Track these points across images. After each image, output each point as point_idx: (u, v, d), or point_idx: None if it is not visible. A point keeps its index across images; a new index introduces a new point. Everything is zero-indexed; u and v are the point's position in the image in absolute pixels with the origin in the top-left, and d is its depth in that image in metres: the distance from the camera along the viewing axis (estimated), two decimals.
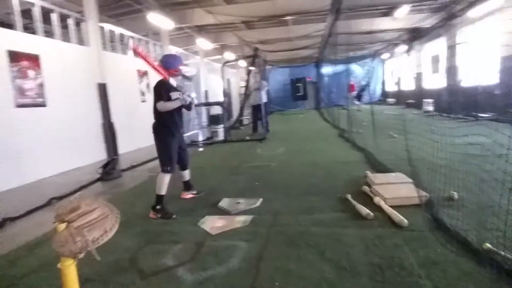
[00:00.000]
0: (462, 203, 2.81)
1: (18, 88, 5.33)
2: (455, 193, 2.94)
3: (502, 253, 1.94)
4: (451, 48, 11.32)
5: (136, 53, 3.04)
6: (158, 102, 3.19)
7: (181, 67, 3.34)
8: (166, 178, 3.29)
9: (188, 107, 3.33)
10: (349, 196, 3.29)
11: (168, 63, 3.27)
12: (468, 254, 2.07)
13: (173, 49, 11.82)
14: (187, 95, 3.21)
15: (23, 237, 3.03)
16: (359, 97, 16.46)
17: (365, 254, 2.22)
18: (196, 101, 3.39)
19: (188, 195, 3.84)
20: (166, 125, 3.29)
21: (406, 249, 2.23)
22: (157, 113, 3.28)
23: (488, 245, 2.03)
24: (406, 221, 2.58)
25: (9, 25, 5.61)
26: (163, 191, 3.28)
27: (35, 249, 2.72)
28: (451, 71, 11.40)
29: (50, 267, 2.22)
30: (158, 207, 3.24)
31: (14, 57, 5.28)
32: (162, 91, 3.19)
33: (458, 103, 9.46)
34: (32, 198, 4.22)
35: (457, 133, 3.00)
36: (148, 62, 3.04)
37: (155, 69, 3.09)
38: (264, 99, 9.24)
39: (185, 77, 3.79)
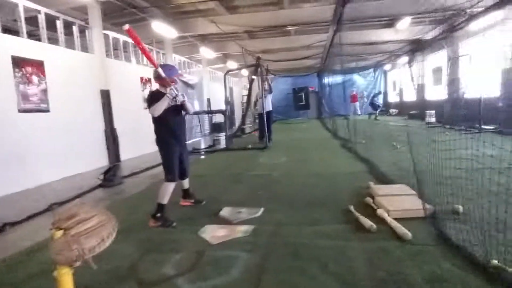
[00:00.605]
0: (468, 217, 2.76)
1: (21, 93, 5.36)
2: (460, 206, 2.89)
3: (510, 270, 1.88)
4: (453, 60, 11.36)
5: (129, 34, 3.01)
6: (149, 109, 3.16)
7: (176, 78, 3.34)
8: (170, 187, 3.28)
9: (178, 104, 3.24)
10: (352, 208, 3.24)
11: (164, 73, 3.24)
12: (475, 271, 2.00)
13: (176, 58, 11.93)
14: (173, 90, 3.14)
15: (23, 242, 3.01)
16: (373, 105, 16.55)
17: (368, 268, 2.17)
18: (184, 98, 3.25)
19: (187, 202, 3.83)
20: (164, 135, 3.29)
21: (410, 264, 2.17)
22: (155, 125, 3.30)
23: (495, 261, 1.97)
24: (410, 234, 2.53)
25: (15, 32, 5.68)
26: (165, 200, 3.25)
27: (34, 255, 2.69)
28: (454, 83, 11.41)
29: (49, 273, 2.18)
30: (158, 215, 3.20)
31: (18, 62, 5.33)
32: (152, 100, 3.17)
33: (461, 114, 9.44)
34: (33, 203, 4.21)
35: (460, 145, 2.96)
36: (138, 45, 3.08)
37: (145, 53, 3.14)
38: (269, 107, 9.21)
39: (188, 85, 3.80)
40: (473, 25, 9.49)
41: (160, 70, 3.16)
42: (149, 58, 3.21)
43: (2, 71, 5.09)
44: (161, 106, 3.12)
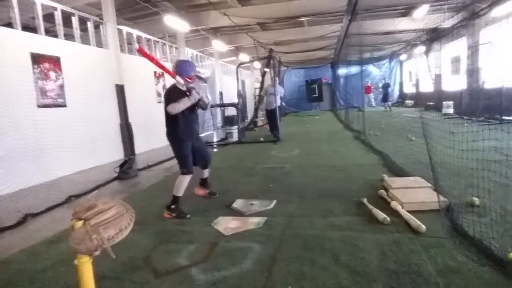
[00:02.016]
0: (484, 209, 2.70)
1: (40, 89, 5.53)
2: (476, 198, 2.83)
3: None
4: (473, 48, 10.94)
5: (141, 53, 3.11)
6: (168, 105, 3.17)
7: (194, 74, 3.35)
8: (186, 180, 3.34)
9: (200, 105, 3.35)
10: (365, 200, 3.22)
11: (184, 70, 3.26)
12: (491, 264, 1.97)
13: (189, 51, 11.97)
14: (196, 92, 3.19)
15: (43, 232, 3.13)
16: (385, 97, 16.16)
17: (381, 260, 2.16)
18: (209, 100, 3.43)
19: (201, 191, 3.88)
20: (176, 130, 3.31)
21: (424, 256, 2.16)
22: (167, 120, 3.32)
23: None
24: (424, 226, 2.50)
25: (33, 29, 5.83)
26: (180, 193, 3.31)
27: (54, 245, 2.81)
28: (473, 72, 11.02)
29: (68, 262, 2.28)
30: (173, 206, 3.28)
31: (37, 59, 5.48)
32: (173, 96, 3.20)
33: (481, 105, 9.13)
34: (52, 195, 4.35)
35: (479, 136, 2.88)
36: (153, 61, 3.12)
37: (161, 67, 3.20)
38: (278, 103, 9.17)
39: (200, 79, 3.83)
40: (495, 11, 9.10)
41: (178, 78, 3.19)
42: (166, 70, 3.25)
43: (22, 67, 5.24)
44: (182, 106, 3.16)
